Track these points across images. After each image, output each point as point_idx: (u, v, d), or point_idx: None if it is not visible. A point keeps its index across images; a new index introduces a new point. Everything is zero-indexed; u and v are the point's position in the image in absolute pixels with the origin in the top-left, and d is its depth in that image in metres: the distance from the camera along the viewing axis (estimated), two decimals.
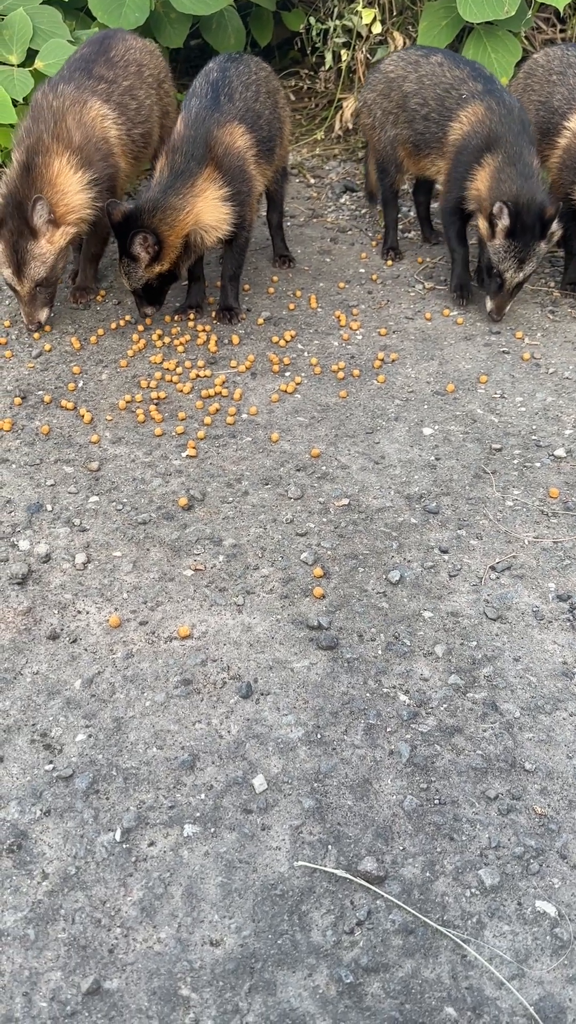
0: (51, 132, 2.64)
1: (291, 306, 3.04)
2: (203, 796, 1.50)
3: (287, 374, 2.69)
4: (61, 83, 2.77)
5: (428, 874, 1.41)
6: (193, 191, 2.66)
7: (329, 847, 1.43)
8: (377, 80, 3.21)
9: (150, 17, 3.83)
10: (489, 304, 2.90)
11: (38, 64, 3.61)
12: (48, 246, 2.67)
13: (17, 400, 2.53)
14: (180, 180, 2.66)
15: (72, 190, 2.65)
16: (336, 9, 4.08)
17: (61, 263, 2.74)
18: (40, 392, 2.59)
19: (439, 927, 1.34)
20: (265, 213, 3.33)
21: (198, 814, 1.48)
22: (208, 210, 2.69)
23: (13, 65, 3.63)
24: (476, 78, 2.94)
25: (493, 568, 1.97)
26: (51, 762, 1.56)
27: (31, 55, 3.66)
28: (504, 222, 2.71)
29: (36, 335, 2.82)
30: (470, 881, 1.40)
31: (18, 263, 2.66)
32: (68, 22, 3.82)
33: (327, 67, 4.19)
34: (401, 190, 3.42)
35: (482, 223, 2.82)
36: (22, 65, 3.64)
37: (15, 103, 3.47)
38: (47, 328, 2.86)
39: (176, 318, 2.96)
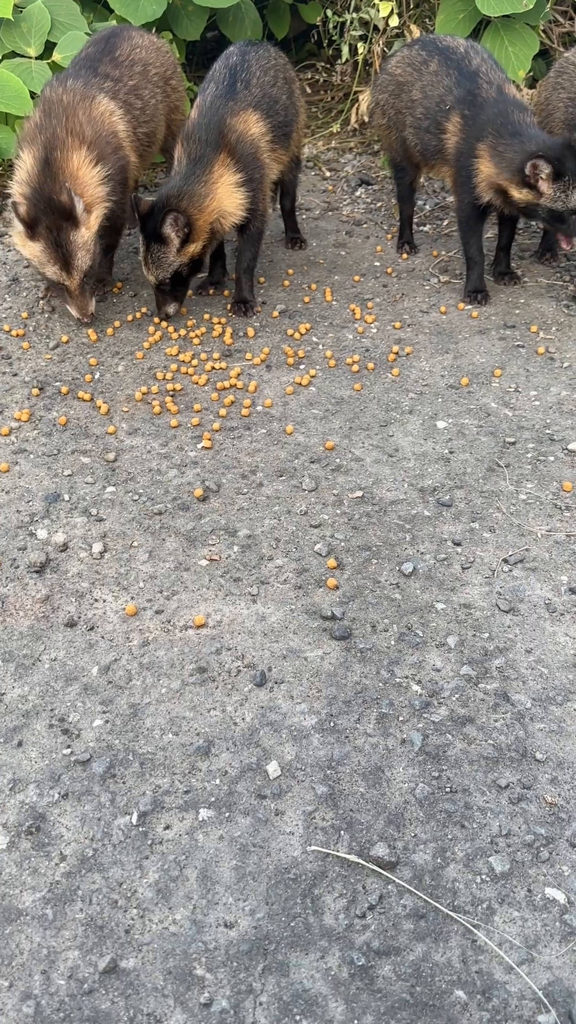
0: (65, 127, 2.63)
1: (306, 299, 3.05)
2: (218, 781, 1.53)
3: (302, 367, 2.71)
4: (69, 79, 2.76)
5: (439, 860, 1.43)
6: (211, 177, 2.68)
7: (342, 833, 1.46)
8: (387, 82, 3.17)
9: (167, 10, 3.85)
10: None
11: (56, 56, 3.64)
12: (88, 233, 2.65)
13: (35, 391, 2.56)
14: (199, 167, 2.68)
15: (92, 183, 2.66)
16: (353, 2, 4.08)
17: (97, 250, 2.75)
18: (57, 383, 2.61)
19: (450, 912, 1.36)
20: (279, 200, 3.36)
21: (213, 799, 1.50)
22: (226, 196, 2.71)
23: (31, 57, 3.65)
24: (459, 83, 2.90)
25: (506, 561, 1.99)
26: (69, 747, 1.59)
27: (49, 47, 3.68)
28: (545, 170, 2.68)
29: (92, 335, 2.78)
30: (480, 868, 1.42)
31: (65, 257, 2.62)
32: (86, 15, 3.84)
33: (343, 60, 4.19)
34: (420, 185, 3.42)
35: (517, 194, 2.76)
36: (40, 57, 3.66)
37: (32, 95, 3.48)
38: (108, 331, 2.85)
39: (197, 298, 2.97)
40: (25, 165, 2.65)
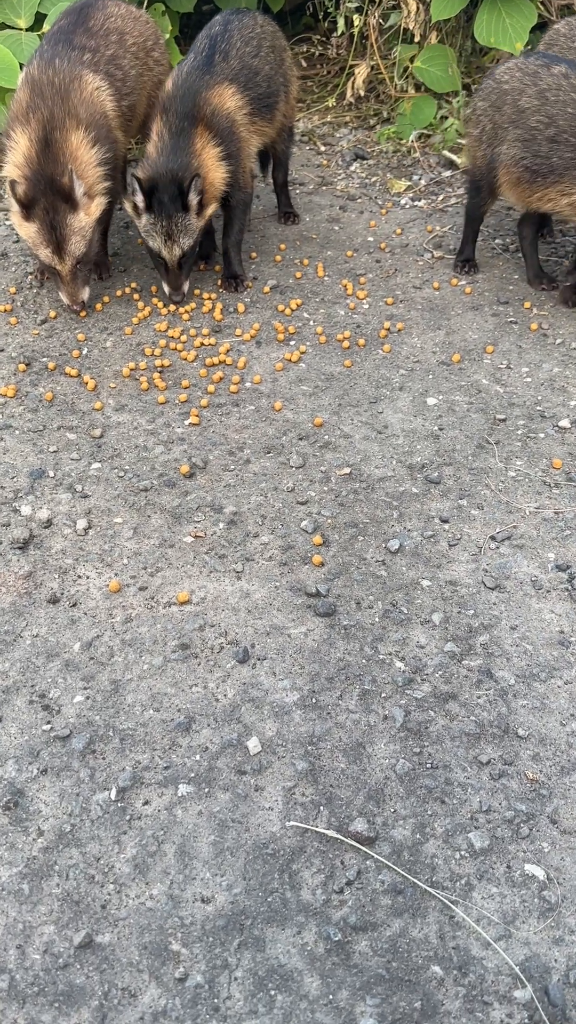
0: (62, 108, 2.57)
1: (298, 275, 3.02)
2: (198, 757, 1.52)
3: (292, 343, 2.68)
4: (56, 58, 2.68)
5: (418, 836, 1.42)
6: (195, 149, 2.64)
7: (321, 808, 1.45)
8: (489, 89, 2.78)
9: None
10: None
11: (46, 28, 3.57)
12: (87, 219, 2.60)
13: (22, 366, 2.53)
14: (182, 140, 2.64)
15: (91, 164, 2.60)
16: None
17: (95, 238, 2.70)
18: (44, 359, 2.59)
19: (428, 888, 1.35)
20: (271, 173, 3.31)
21: (193, 775, 1.49)
22: (211, 167, 2.68)
23: (21, 29, 3.60)
24: None
25: (493, 538, 1.97)
26: (49, 722, 1.58)
27: (40, 19, 3.63)
28: None
29: (83, 313, 2.75)
30: (460, 844, 1.41)
31: (58, 241, 2.56)
32: None
33: (339, 33, 4.13)
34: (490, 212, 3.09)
35: None
36: (30, 29, 3.61)
37: (22, 67, 3.43)
38: (97, 307, 2.82)
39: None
40: (21, 146, 2.57)
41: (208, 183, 2.67)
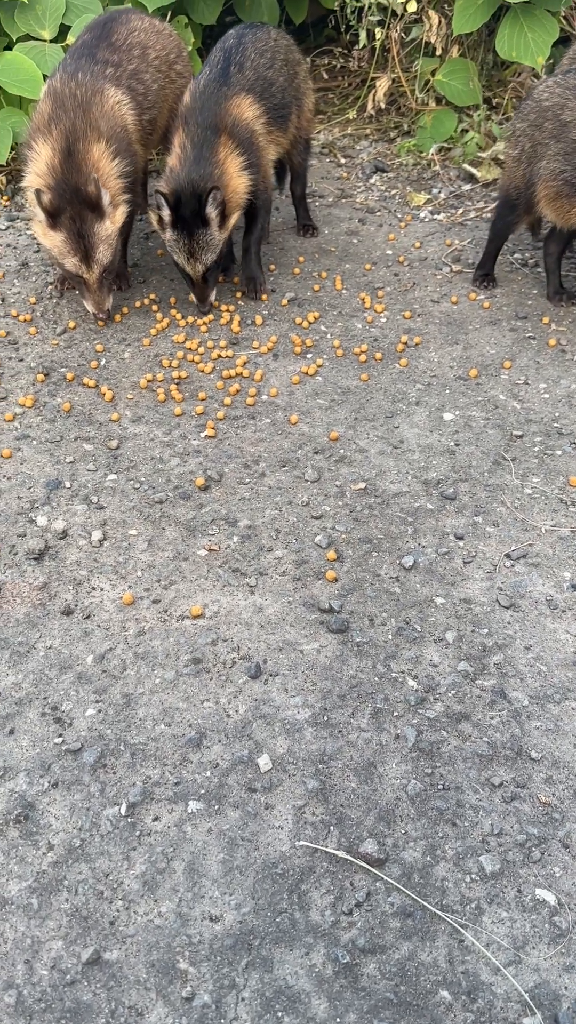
0: (83, 120, 2.58)
1: (316, 287, 3.02)
2: (208, 774, 1.52)
3: (309, 356, 2.68)
4: (79, 72, 2.70)
5: (429, 858, 1.41)
6: (219, 159, 2.65)
7: (331, 828, 1.44)
8: (528, 109, 2.77)
9: None
10: None
11: (70, 39, 3.60)
12: (112, 227, 2.62)
13: (40, 377, 2.54)
14: (205, 150, 2.65)
15: (113, 175, 2.62)
16: None
17: (118, 247, 2.71)
18: (63, 369, 2.60)
19: (437, 911, 1.34)
20: (288, 185, 3.32)
21: (203, 791, 1.49)
22: (235, 176, 2.68)
23: (45, 40, 3.63)
24: None
25: (508, 556, 1.96)
26: (60, 735, 1.58)
27: (63, 31, 3.66)
28: None
29: (101, 323, 2.76)
30: (470, 867, 1.40)
31: (86, 249, 2.57)
32: None
33: (361, 46, 4.14)
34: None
35: None
36: (54, 40, 3.64)
37: (46, 78, 3.46)
38: (116, 318, 2.83)
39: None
40: (43, 156, 2.58)
41: (231, 191, 2.68)
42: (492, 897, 1.37)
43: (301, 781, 1.50)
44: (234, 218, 2.75)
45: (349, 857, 1.40)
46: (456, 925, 1.33)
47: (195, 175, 2.63)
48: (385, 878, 1.38)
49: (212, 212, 2.63)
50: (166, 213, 2.64)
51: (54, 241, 2.58)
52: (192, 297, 2.83)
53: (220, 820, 1.45)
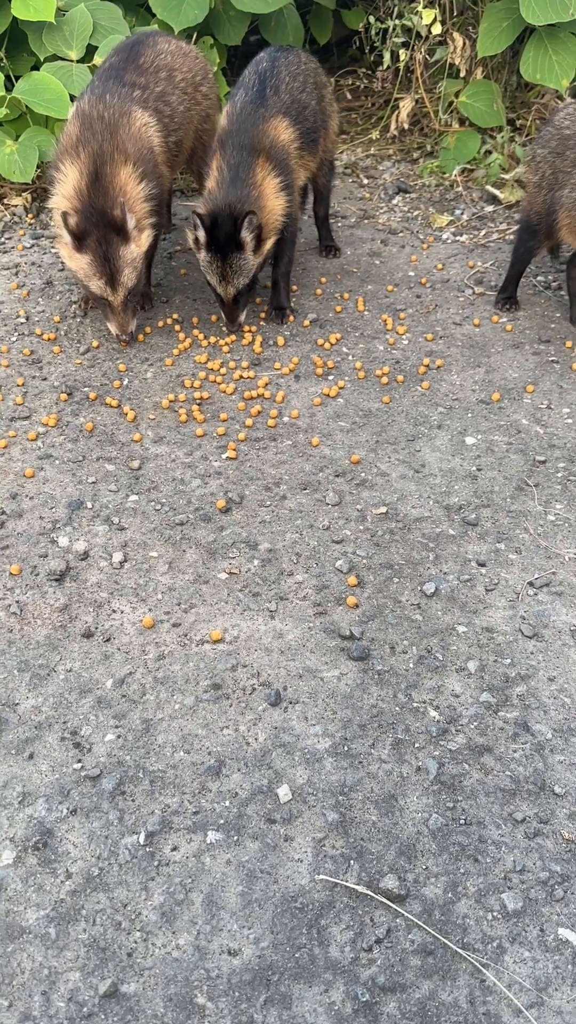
0: (111, 142, 2.60)
1: (338, 308, 3.02)
2: (228, 803, 1.50)
3: (330, 377, 2.68)
4: (107, 94, 2.72)
5: (450, 895, 1.39)
6: (256, 180, 2.66)
7: (351, 862, 1.43)
8: (549, 136, 2.78)
9: (209, 14, 3.84)
10: None
11: (96, 60, 3.64)
12: (138, 250, 2.63)
13: (63, 396, 2.55)
14: (242, 171, 2.66)
15: (139, 198, 2.63)
16: (396, 8, 4.05)
17: (143, 269, 2.72)
18: (86, 388, 2.61)
19: (459, 950, 1.33)
20: (312, 207, 3.33)
21: (222, 821, 1.48)
22: (272, 198, 2.69)
23: (72, 60, 3.66)
24: None
25: (531, 584, 1.95)
26: (80, 761, 1.58)
27: (90, 51, 3.69)
28: None
29: (124, 344, 2.77)
30: (492, 904, 1.38)
31: (112, 272, 2.59)
32: (128, 19, 3.85)
33: (385, 67, 4.15)
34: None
35: None
36: (81, 60, 3.67)
37: (72, 99, 3.49)
38: (139, 337, 2.84)
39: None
40: (70, 178, 2.59)
41: (268, 212, 2.69)
42: (514, 936, 1.35)
43: (321, 813, 1.49)
44: (270, 243, 2.75)
45: (369, 892, 1.39)
46: (478, 964, 1.31)
47: (232, 197, 2.63)
48: (406, 914, 1.36)
49: (247, 236, 2.63)
50: (201, 234, 2.65)
51: (80, 263, 2.59)
52: (215, 318, 2.83)
53: (239, 851, 1.44)
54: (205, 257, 2.69)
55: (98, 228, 2.54)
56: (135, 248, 2.61)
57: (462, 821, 1.48)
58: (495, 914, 1.37)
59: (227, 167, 2.67)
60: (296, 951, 1.32)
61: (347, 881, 1.40)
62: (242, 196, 2.63)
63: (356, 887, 1.39)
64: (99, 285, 2.61)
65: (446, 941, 1.33)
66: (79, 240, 2.55)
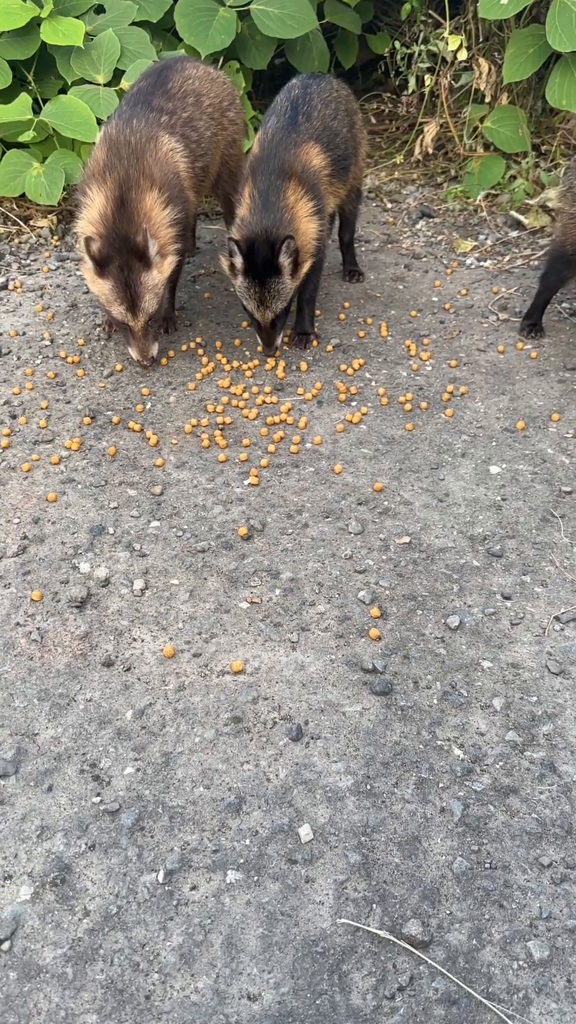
0: (137, 167, 2.61)
1: (361, 333, 3.01)
2: (248, 842, 1.48)
3: (353, 404, 2.67)
4: (134, 119, 2.73)
5: (475, 942, 1.36)
6: (288, 204, 2.66)
7: (374, 906, 1.40)
8: None
9: (235, 39, 3.86)
10: None
11: (123, 84, 3.67)
12: (160, 276, 2.63)
13: (86, 419, 2.55)
14: (273, 196, 2.66)
15: (164, 224, 2.63)
16: (422, 34, 4.06)
17: (166, 295, 2.73)
18: (109, 412, 2.61)
19: (483, 999, 1.29)
20: (337, 231, 3.33)
21: (242, 860, 1.46)
22: (304, 222, 2.69)
23: (100, 84, 3.69)
24: None
25: (558, 619, 1.92)
26: (99, 794, 1.56)
27: (117, 75, 3.72)
28: None
29: (146, 367, 2.77)
30: (518, 952, 1.35)
31: (132, 298, 2.60)
32: (155, 43, 3.88)
33: (410, 91, 4.17)
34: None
35: None
36: (108, 84, 3.70)
37: (99, 122, 3.52)
38: (163, 361, 2.84)
39: (252, 329, 2.96)
40: (96, 204, 2.60)
41: (301, 235, 2.68)
42: (540, 986, 1.31)
43: (343, 854, 1.46)
44: (306, 266, 2.74)
45: (392, 938, 1.36)
46: (503, 1016, 1.28)
47: (267, 222, 2.63)
48: (429, 961, 1.33)
49: (285, 261, 2.64)
50: (239, 261, 2.65)
51: (102, 288, 2.60)
52: (239, 342, 2.83)
53: (259, 892, 1.41)
54: (242, 283, 2.69)
55: (120, 254, 2.55)
56: (157, 274, 2.61)
57: (487, 865, 1.45)
58: (521, 963, 1.34)
59: (259, 193, 2.67)
60: (317, 997, 1.29)
61: (369, 925, 1.37)
62: (277, 221, 2.63)
63: (379, 932, 1.36)
64: (120, 311, 2.61)
65: (470, 990, 1.30)
66: (101, 266, 2.56)
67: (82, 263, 2.65)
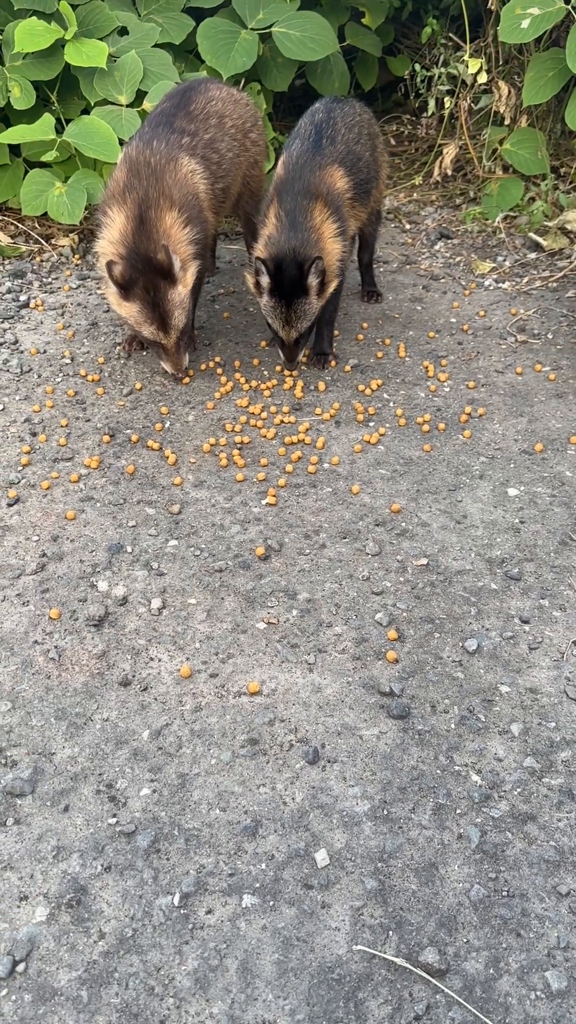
0: (156, 188, 2.64)
1: (379, 354, 3.02)
2: (264, 866, 1.48)
3: (371, 424, 2.67)
4: (154, 140, 2.76)
5: (492, 971, 1.35)
6: (314, 224, 2.68)
7: (390, 933, 1.39)
8: None
9: (257, 61, 3.90)
10: None
11: (146, 105, 3.71)
12: (185, 290, 2.65)
13: (106, 438, 2.57)
14: (299, 217, 2.68)
15: (183, 241, 2.66)
16: (442, 57, 4.09)
17: (191, 307, 2.74)
18: (128, 431, 2.63)
19: None
20: (356, 253, 3.35)
21: (258, 884, 1.45)
22: (330, 243, 2.71)
23: (122, 105, 3.74)
24: None
25: None
26: (115, 815, 1.56)
27: (139, 96, 3.77)
28: None
29: (186, 380, 2.81)
30: (536, 983, 1.34)
31: (162, 317, 2.62)
32: (177, 65, 3.92)
33: (429, 113, 4.19)
34: None
35: None
36: (131, 105, 3.75)
37: (121, 143, 3.56)
38: (184, 380, 2.87)
39: (270, 348, 2.97)
40: (117, 224, 2.62)
41: (327, 255, 2.70)
42: (558, 1018, 1.30)
43: (359, 880, 1.45)
44: (333, 286, 2.76)
45: (409, 966, 1.35)
46: None
47: (295, 242, 2.65)
48: (446, 990, 1.32)
49: (313, 281, 2.65)
50: (265, 280, 2.67)
51: (129, 311, 2.61)
52: (257, 361, 2.84)
53: (275, 917, 1.41)
54: (269, 302, 2.70)
55: (144, 275, 2.57)
56: (182, 289, 2.63)
57: (504, 893, 1.44)
58: (539, 993, 1.32)
59: (285, 213, 2.69)
60: None
61: (386, 953, 1.36)
62: (304, 241, 2.65)
63: (395, 959, 1.35)
64: (151, 330, 2.64)
65: (488, 1021, 1.29)
66: (125, 289, 2.57)
67: (106, 287, 2.67)
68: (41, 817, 1.56)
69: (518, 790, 1.60)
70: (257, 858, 1.49)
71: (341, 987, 1.33)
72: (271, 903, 1.42)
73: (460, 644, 1.91)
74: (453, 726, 1.72)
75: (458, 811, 1.56)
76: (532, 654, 1.88)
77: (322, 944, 1.37)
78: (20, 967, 1.35)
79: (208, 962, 1.35)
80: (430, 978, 1.34)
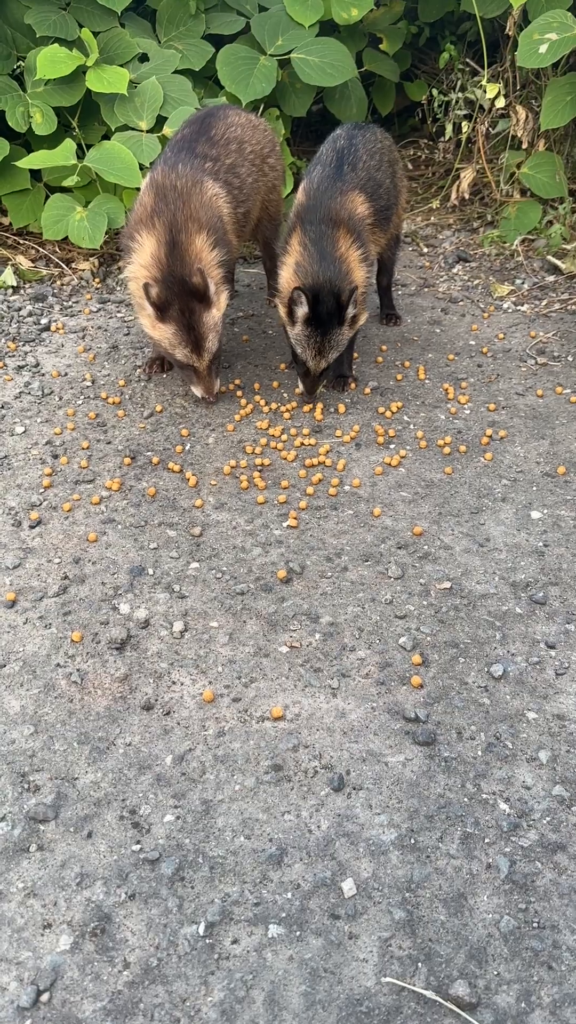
0: (184, 211, 2.65)
1: (399, 376, 3.02)
2: (290, 895, 1.46)
3: (392, 446, 2.67)
4: (179, 164, 2.78)
5: (523, 1005, 1.32)
6: (341, 252, 2.68)
7: (419, 964, 1.36)
8: None
9: (275, 87, 3.94)
10: None
11: (166, 130, 3.75)
12: (219, 314, 2.66)
13: (127, 460, 2.57)
14: (326, 244, 2.68)
15: (214, 264, 2.67)
16: (459, 82, 4.12)
17: (222, 332, 2.75)
18: (149, 453, 2.63)
19: None
20: (375, 277, 3.36)
21: (284, 914, 1.43)
22: (356, 269, 2.71)
23: (143, 131, 3.77)
24: None
25: None
26: (138, 842, 1.54)
27: (160, 121, 3.80)
28: None
29: (212, 404, 2.82)
30: (568, 1017, 1.31)
31: (196, 339, 2.63)
32: (197, 91, 3.96)
33: (447, 138, 4.22)
34: None
35: None
36: (151, 131, 3.78)
37: (141, 168, 3.59)
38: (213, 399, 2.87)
39: (290, 371, 2.98)
40: (147, 247, 2.63)
41: (358, 283, 2.70)
42: None
43: (387, 910, 1.43)
44: (364, 317, 2.76)
45: (439, 999, 1.32)
46: None
47: (330, 272, 2.64)
48: None
49: (352, 311, 2.66)
50: (302, 311, 2.64)
51: (164, 333, 2.62)
52: (277, 384, 2.84)
53: (302, 948, 1.39)
54: (302, 331, 2.68)
55: (180, 297, 2.57)
56: (216, 312, 2.64)
57: (535, 924, 1.42)
58: None
59: (311, 241, 2.68)
60: None
61: (415, 985, 1.34)
62: (337, 271, 2.64)
63: (424, 992, 1.33)
64: (185, 353, 2.64)
65: None
66: (161, 311, 2.58)
67: (139, 310, 2.67)
68: (64, 843, 1.54)
69: (547, 819, 1.57)
70: (283, 887, 1.47)
71: (370, 1020, 1.30)
72: (297, 933, 1.40)
73: (486, 669, 1.89)
74: (480, 753, 1.70)
75: (486, 840, 1.54)
76: (559, 680, 1.86)
77: (350, 976, 1.35)
78: (44, 997, 1.33)
79: (234, 993, 1.33)
80: (460, 1012, 1.31)
